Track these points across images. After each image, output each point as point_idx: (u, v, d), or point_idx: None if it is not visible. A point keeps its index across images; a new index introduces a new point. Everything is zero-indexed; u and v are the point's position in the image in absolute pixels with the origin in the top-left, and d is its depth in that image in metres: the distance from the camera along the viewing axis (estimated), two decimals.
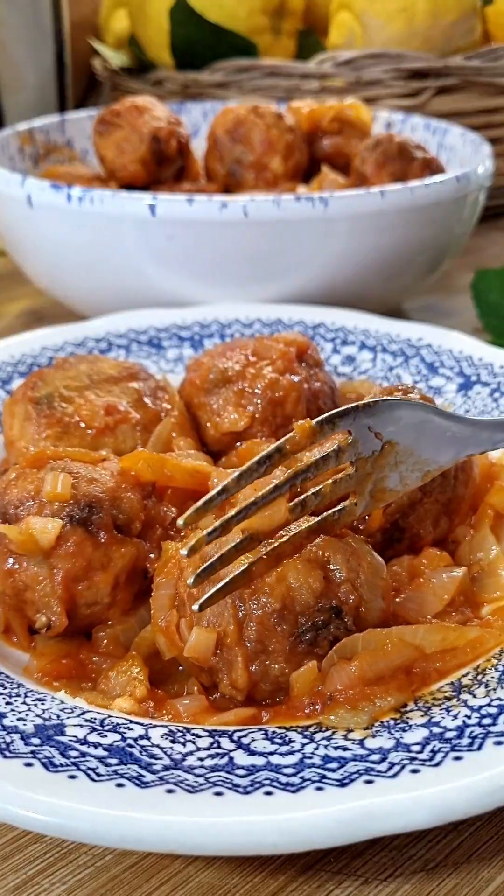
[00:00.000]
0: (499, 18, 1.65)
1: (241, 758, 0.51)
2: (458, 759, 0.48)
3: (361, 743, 0.51)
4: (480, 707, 0.53)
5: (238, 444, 0.77)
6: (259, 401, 0.77)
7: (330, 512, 0.59)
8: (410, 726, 0.52)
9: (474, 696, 0.54)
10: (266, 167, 1.22)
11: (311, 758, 0.50)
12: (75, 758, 0.49)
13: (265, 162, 1.21)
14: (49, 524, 0.60)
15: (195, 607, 0.55)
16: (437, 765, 0.48)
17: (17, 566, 0.61)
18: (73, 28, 1.71)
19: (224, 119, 1.24)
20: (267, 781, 0.48)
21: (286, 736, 0.53)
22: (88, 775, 0.48)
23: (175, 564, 0.61)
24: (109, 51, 1.74)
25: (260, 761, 0.50)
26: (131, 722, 0.54)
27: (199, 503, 0.55)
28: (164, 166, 1.21)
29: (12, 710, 0.54)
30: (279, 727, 0.54)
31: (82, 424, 0.75)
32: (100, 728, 0.53)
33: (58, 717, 0.54)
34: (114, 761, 0.49)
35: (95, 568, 0.61)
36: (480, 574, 0.67)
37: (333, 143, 1.28)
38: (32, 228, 1.07)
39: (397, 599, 0.63)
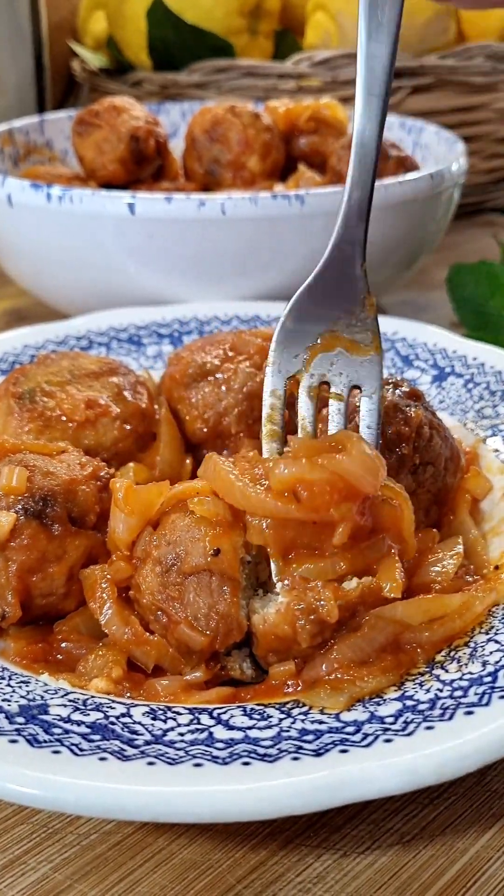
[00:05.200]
0: (472, 18, 1.67)
1: (220, 732, 0.52)
2: (429, 728, 0.50)
3: (337, 716, 0.53)
4: (452, 681, 0.54)
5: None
6: (237, 395, 0.78)
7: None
8: (385, 700, 0.54)
9: (446, 671, 0.56)
10: (244, 166, 1.23)
11: (287, 731, 0.51)
12: (59, 734, 0.51)
13: (243, 161, 1.22)
14: (3, 517, 0.61)
15: None
16: (409, 735, 0.50)
17: None
18: (51, 30, 1.72)
19: (202, 119, 1.25)
20: (245, 753, 0.49)
21: (264, 712, 0.54)
22: (72, 750, 0.49)
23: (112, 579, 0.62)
24: (88, 52, 1.74)
25: (238, 735, 0.51)
26: (114, 701, 0.56)
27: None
28: (143, 166, 1.22)
29: None
30: (258, 704, 0.56)
31: (63, 418, 0.76)
32: (83, 707, 0.54)
33: (41, 697, 0.55)
34: (96, 737, 0.51)
35: (50, 560, 0.62)
36: None
37: (310, 142, 1.29)
38: (13, 228, 1.08)
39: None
